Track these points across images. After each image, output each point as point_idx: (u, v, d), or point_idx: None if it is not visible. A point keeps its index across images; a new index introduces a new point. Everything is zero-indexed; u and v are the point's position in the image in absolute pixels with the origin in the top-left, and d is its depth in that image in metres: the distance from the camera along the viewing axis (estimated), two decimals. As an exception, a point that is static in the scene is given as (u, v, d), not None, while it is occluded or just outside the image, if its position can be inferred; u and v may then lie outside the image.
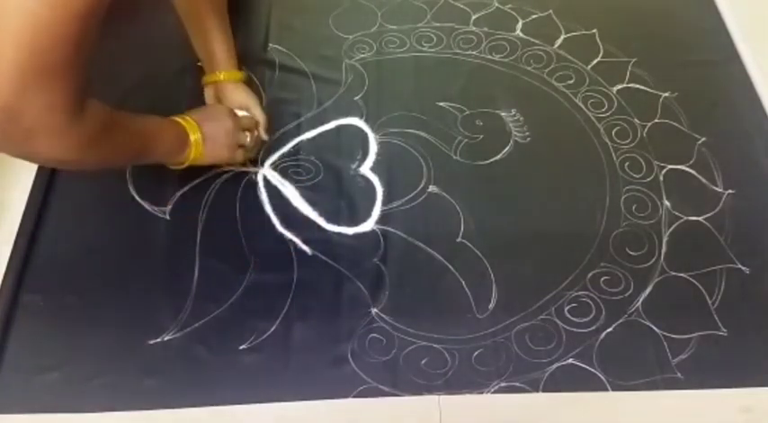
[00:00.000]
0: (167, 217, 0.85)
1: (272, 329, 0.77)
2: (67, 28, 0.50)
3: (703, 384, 0.74)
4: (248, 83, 0.90)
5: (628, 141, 0.92)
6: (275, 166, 0.89)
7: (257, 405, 0.72)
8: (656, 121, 0.94)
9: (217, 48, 0.85)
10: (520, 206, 0.87)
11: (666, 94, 0.97)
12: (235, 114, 0.82)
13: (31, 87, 0.50)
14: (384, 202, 0.86)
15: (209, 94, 0.90)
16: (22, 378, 0.73)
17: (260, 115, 0.87)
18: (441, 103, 0.95)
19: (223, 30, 0.85)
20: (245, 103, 0.86)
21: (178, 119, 0.76)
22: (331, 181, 0.88)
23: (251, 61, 0.98)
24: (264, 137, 0.87)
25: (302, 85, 0.97)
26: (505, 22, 1.05)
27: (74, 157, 0.60)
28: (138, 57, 1.00)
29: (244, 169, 0.88)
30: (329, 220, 0.85)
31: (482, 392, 0.73)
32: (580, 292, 0.79)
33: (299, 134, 0.92)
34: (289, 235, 0.83)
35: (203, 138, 0.76)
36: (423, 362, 0.75)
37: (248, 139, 0.83)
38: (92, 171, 0.71)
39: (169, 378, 0.74)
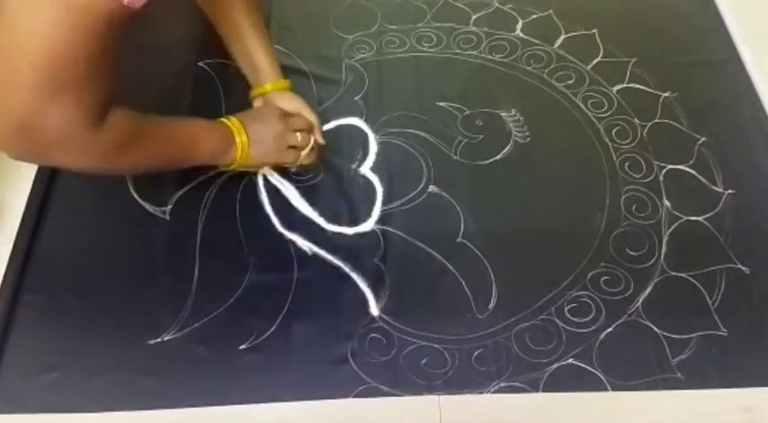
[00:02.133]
0: (167, 217, 0.85)
1: (272, 329, 0.77)
2: (83, 48, 0.50)
3: (703, 384, 0.74)
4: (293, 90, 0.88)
5: (628, 141, 0.92)
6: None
7: (257, 405, 0.72)
8: (656, 121, 0.94)
9: (260, 61, 0.84)
10: (520, 206, 0.87)
11: (666, 94, 0.97)
12: (285, 116, 0.81)
13: (49, 103, 0.51)
14: (384, 202, 0.86)
15: (257, 105, 0.87)
16: (22, 378, 0.73)
17: (314, 119, 0.85)
18: (441, 103, 0.95)
19: (264, 42, 0.84)
20: (296, 109, 0.84)
21: (224, 120, 0.76)
22: (331, 181, 0.88)
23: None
24: (321, 140, 0.85)
25: (302, 85, 0.96)
26: (505, 22, 1.05)
27: (96, 166, 0.60)
28: (138, 57, 1.00)
29: (244, 169, 0.88)
30: (329, 220, 0.85)
31: (482, 392, 0.73)
32: (580, 292, 0.79)
33: (299, 134, 0.92)
34: (289, 235, 0.83)
35: (249, 140, 0.76)
36: (423, 362, 0.75)
37: (300, 139, 0.81)
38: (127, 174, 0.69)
39: (169, 378, 0.74)
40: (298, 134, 0.81)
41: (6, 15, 0.48)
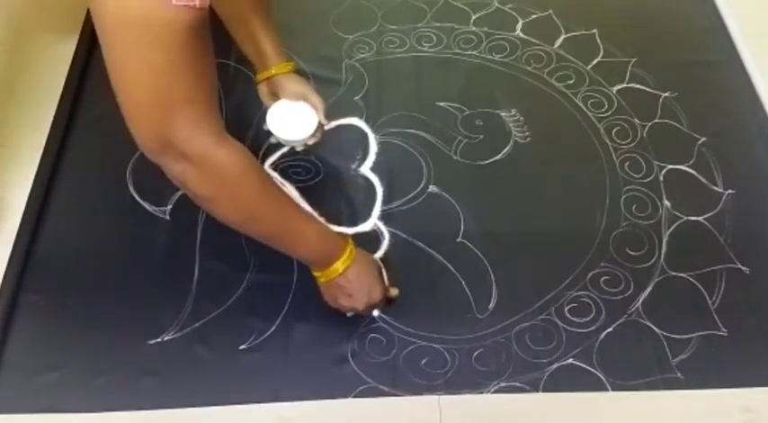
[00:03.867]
0: (167, 217, 0.85)
1: (272, 329, 0.77)
2: (178, 59, 0.51)
3: (703, 384, 0.74)
4: (298, 72, 0.88)
5: (628, 141, 0.92)
6: (275, 166, 0.89)
7: (257, 405, 0.72)
8: (656, 121, 0.94)
9: (266, 45, 0.84)
10: (520, 206, 0.87)
11: (666, 94, 0.97)
12: (385, 286, 0.76)
13: (172, 116, 0.53)
14: (384, 202, 0.86)
15: (263, 91, 0.88)
16: (21, 378, 0.73)
17: (318, 101, 0.85)
18: (441, 103, 0.95)
19: (268, 26, 0.84)
20: (302, 92, 0.85)
21: (348, 240, 0.72)
22: (331, 181, 0.88)
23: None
24: (325, 121, 0.86)
25: (302, 85, 0.97)
26: (505, 22, 1.05)
27: (220, 188, 0.60)
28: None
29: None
30: (329, 220, 0.84)
31: (482, 392, 0.73)
32: (580, 292, 0.79)
33: (299, 134, 0.92)
34: (289, 235, 0.83)
35: (344, 272, 0.71)
36: (423, 362, 0.75)
37: (364, 310, 0.74)
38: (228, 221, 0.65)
39: (169, 378, 0.74)
40: (369, 312, 0.76)
41: (108, 58, 0.51)
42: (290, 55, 0.88)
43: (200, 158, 0.57)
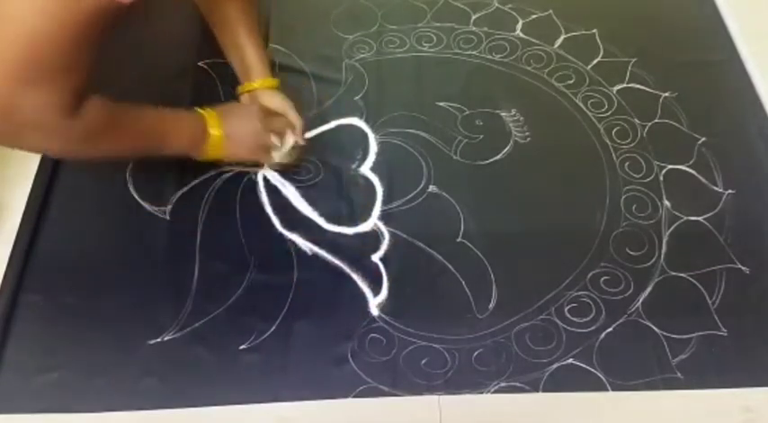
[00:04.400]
0: (167, 217, 0.85)
1: (272, 329, 0.77)
2: (66, 37, 0.51)
3: (703, 384, 0.74)
4: (281, 89, 0.89)
5: (628, 141, 0.92)
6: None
7: (257, 405, 0.72)
8: (656, 121, 0.94)
9: (250, 57, 0.84)
10: (520, 206, 0.87)
11: (666, 94, 0.97)
12: (265, 115, 0.81)
13: (26, 89, 0.51)
14: (384, 202, 0.86)
15: (245, 101, 0.88)
16: (22, 378, 0.73)
17: (296, 119, 0.85)
18: (441, 103, 0.95)
19: (255, 38, 0.84)
20: (281, 108, 0.85)
21: (201, 111, 0.76)
22: (331, 181, 0.88)
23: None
24: (302, 142, 0.86)
25: (302, 85, 0.97)
26: (505, 22, 1.05)
27: (69, 151, 0.61)
28: (138, 57, 1.00)
29: (244, 169, 0.88)
30: (329, 220, 0.85)
31: (482, 392, 0.73)
32: (580, 292, 0.79)
33: (299, 134, 0.92)
34: (289, 235, 0.83)
35: (224, 134, 0.75)
36: (423, 362, 0.75)
37: (276, 141, 0.81)
38: (98, 160, 0.69)
39: (169, 378, 0.74)
40: (275, 136, 0.81)
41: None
42: (274, 72, 0.89)
43: (51, 129, 0.56)
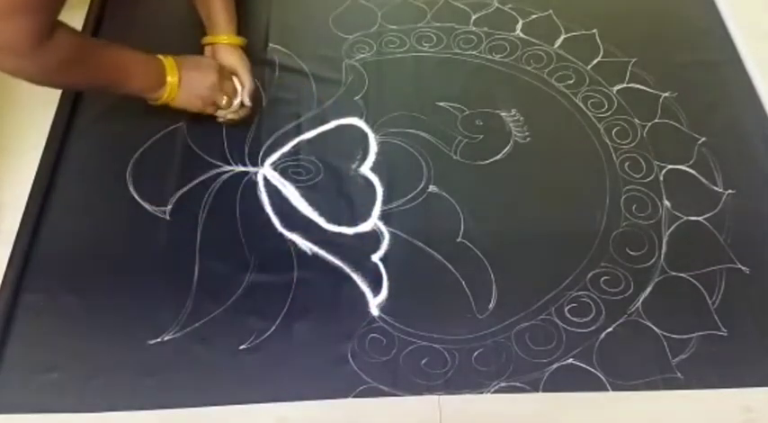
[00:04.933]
0: (167, 217, 0.85)
1: (272, 329, 0.77)
2: None
3: (703, 384, 0.74)
4: (245, 49, 0.92)
5: (628, 141, 0.92)
6: (275, 166, 0.89)
7: (257, 405, 0.72)
8: (656, 121, 0.94)
9: (218, 11, 0.88)
10: (520, 206, 0.87)
11: (666, 94, 0.97)
12: (224, 74, 0.85)
13: (3, 17, 0.57)
14: (384, 202, 0.86)
15: (207, 54, 0.91)
16: (22, 378, 0.74)
17: (247, 80, 0.88)
18: (441, 103, 0.95)
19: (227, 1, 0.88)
20: (234, 66, 0.88)
21: (161, 57, 0.79)
22: (331, 181, 0.88)
23: (251, 61, 0.98)
24: (247, 102, 0.88)
25: (302, 85, 0.97)
26: (505, 22, 1.05)
27: (39, 78, 0.67)
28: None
29: (244, 169, 0.88)
30: (329, 220, 0.85)
31: (482, 392, 0.73)
32: (580, 292, 0.79)
33: (299, 134, 0.92)
34: (289, 235, 0.83)
35: (180, 82, 0.79)
36: (423, 362, 0.75)
37: (223, 102, 0.85)
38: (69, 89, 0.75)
39: (169, 378, 0.74)
40: (224, 96, 0.85)
41: None
42: (242, 34, 0.92)
43: (23, 56, 0.61)
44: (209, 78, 0.83)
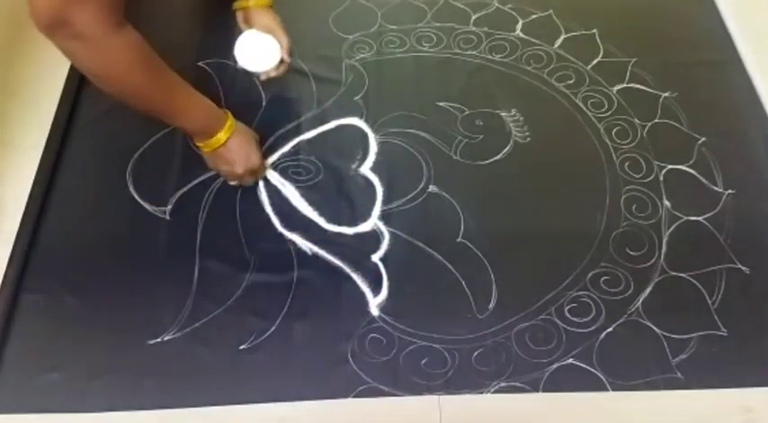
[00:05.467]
0: (167, 217, 0.85)
1: (272, 329, 0.77)
2: None
3: (703, 384, 0.74)
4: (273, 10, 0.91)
5: (628, 141, 0.92)
6: (275, 166, 0.89)
7: (257, 405, 0.72)
8: (656, 121, 0.94)
9: None
10: (520, 206, 0.87)
11: (666, 94, 0.97)
12: (258, 160, 0.84)
13: (77, 4, 0.60)
14: (384, 202, 0.86)
15: (239, 17, 0.92)
16: (22, 378, 0.74)
17: (283, 38, 0.89)
18: (441, 103, 0.95)
19: None
20: (270, 26, 0.88)
21: (227, 113, 0.81)
22: (331, 181, 0.88)
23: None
24: (287, 58, 0.89)
25: (302, 85, 0.97)
26: (505, 22, 1.05)
27: (104, 70, 0.67)
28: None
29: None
30: (329, 220, 0.85)
31: (482, 392, 0.73)
32: (580, 292, 0.79)
33: (299, 134, 0.92)
34: (289, 235, 0.83)
35: (226, 144, 0.79)
36: (423, 362, 0.75)
37: (248, 182, 0.86)
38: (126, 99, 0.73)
39: (169, 378, 0.74)
40: (250, 179, 0.86)
41: None
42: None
43: (96, 42, 0.63)
44: (250, 157, 0.83)
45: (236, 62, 0.88)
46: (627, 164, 0.90)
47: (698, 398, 0.73)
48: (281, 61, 0.89)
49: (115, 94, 0.70)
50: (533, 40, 1.03)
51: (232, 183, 0.86)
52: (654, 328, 0.77)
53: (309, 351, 0.75)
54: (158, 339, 0.76)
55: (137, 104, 0.73)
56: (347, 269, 0.81)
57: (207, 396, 0.73)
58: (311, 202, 0.86)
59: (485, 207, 0.86)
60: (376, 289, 0.80)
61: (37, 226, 0.84)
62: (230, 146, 0.80)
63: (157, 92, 0.72)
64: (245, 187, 0.87)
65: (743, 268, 0.82)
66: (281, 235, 0.83)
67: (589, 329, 0.77)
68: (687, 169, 0.90)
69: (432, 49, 1.02)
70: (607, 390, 0.73)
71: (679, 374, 0.74)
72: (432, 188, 0.88)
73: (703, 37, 1.05)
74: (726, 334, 0.77)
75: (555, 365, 0.74)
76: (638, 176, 0.89)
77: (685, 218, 0.85)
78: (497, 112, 0.95)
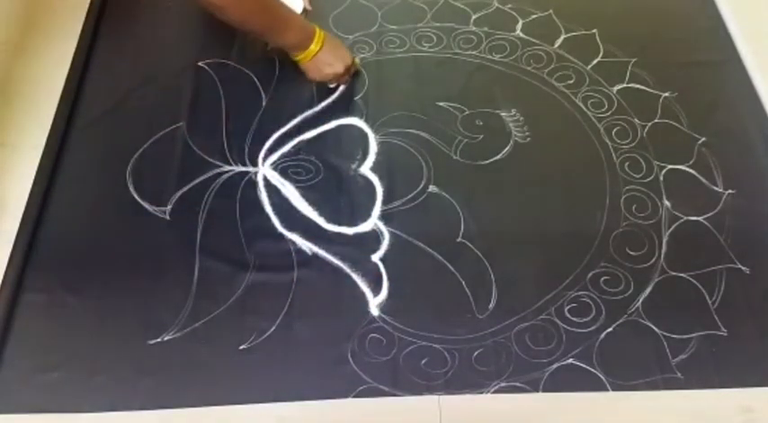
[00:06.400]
0: (167, 217, 0.85)
1: (272, 329, 0.77)
2: None
3: (703, 384, 0.74)
4: None
5: (628, 141, 0.92)
6: (275, 166, 0.89)
7: (257, 405, 0.72)
8: (656, 121, 0.94)
9: None
10: (520, 206, 0.87)
11: (666, 94, 0.97)
12: (350, 56, 0.93)
13: None
14: (384, 202, 0.86)
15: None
16: (22, 378, 0.74)
17: None
18: (441, 103, 0.95)
19: None
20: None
21: (315, 26, 0.89)
22: (331, 181, 0.88)
23: (251, 61, 0.98)
24: (309, 7, 1.01)
25: (302, 85, 0.97)
26: (505, 22, 1.05)
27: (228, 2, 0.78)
28: (138, 57, 1.00)
29: (244, 169, 0.88)
30: (329, 219, 0.85)
31: (482, 392, 0.73)
32: (580, 292, 0.79)
33: (299, 134, 0.92)
34: (289, 235, 0.83)
35: (317, 53, 0.89)
36: (423, 362, 0.75)
37: (344, 79, 0.95)
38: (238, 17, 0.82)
39: (169, 378, 0.74)
40: (348, 77, 0.95)
41: None
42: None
43: None
44: (340, 49, 0.92)
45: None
46: (627, 164, 0.90)
47: (698, 398, 0.73)
48: (304, 10, 0.98)
49: (236, 21, 0.82)
50: (533, 40, 1.03)
51: (332, 85, 0.95)
52: (654, 327, 0.77)
53: (309, 351, 0.75)
54: (158, 339, 0.76)
55: (250, 25, 0.84)
56: (347, 269, 0.81)
57: (207, 396, 0.73)
58: (311, 202, 0.86)
59: (485, 207, 0.86)
60: (376, 289, 0.80)
61: (37, 226, 0.84)
62: (325, 49, 0.89)
63: (262, 15, 0.83)
64: (245, 187, 0.87)
65: (743, 268, 0.82)
66: (281, 235, 0.83)
67: (589, 329, 0.77)
68: (687, 169, 0.90)
69: (432, 49, 1.02)
70: (607, 390, 0.73)
71: (679, 374, 0.74)
72: (432, 188, 0.88)
73: (703, 37, 1.05)
74: (726, 334, 0.77)
75: (555, 365, 0.75)
76: (638, 176, 0.89)
77: (685, 218, 0.85)
78: (497, 112, 0.95)
